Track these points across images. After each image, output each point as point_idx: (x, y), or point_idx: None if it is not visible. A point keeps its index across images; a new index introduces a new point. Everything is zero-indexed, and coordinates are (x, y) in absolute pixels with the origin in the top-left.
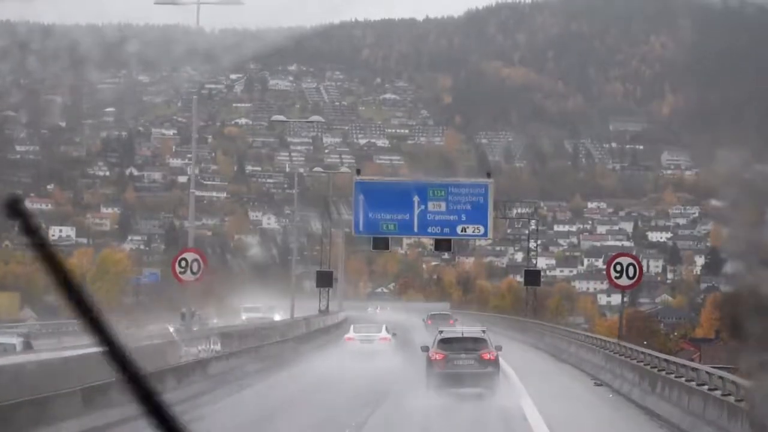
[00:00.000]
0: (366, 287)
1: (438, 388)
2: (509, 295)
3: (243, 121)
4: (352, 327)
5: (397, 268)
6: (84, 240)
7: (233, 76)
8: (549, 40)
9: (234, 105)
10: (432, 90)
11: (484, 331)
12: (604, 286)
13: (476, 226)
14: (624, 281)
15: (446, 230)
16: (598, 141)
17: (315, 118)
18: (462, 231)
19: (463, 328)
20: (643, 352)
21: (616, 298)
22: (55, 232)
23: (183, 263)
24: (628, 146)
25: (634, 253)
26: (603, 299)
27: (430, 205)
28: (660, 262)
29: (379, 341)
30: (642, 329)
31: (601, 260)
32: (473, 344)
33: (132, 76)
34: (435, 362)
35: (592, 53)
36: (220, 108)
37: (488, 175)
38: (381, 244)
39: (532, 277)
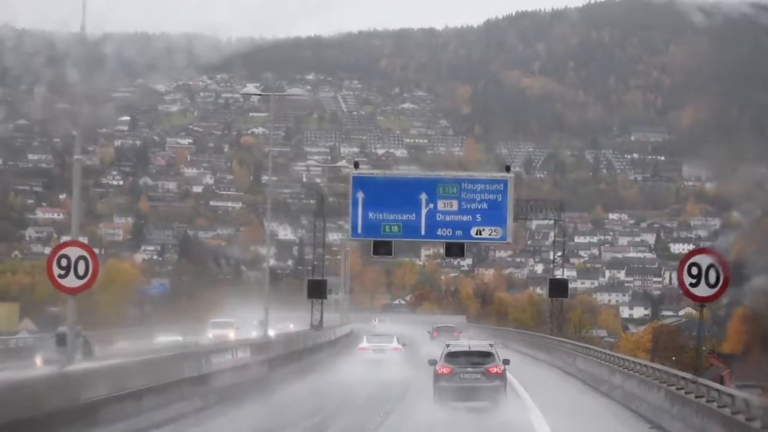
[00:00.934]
0: (383, 299)
1: (444, 402)
2: (530, 308)
3: (259, 130)
4: (365, 337)
5: (415, 279)
6: (96, 250)
7: (250, 85)
8: (569, 50)
9: (251, 114)
10: (451, 100)
11: (491, 345)
12: (627, 298)
13: (493, 228)
14: (702, 290)
15: (458, 233)
16: (620, 151)
17: (295, 91)
18: (477, 234)
19: (470, 341)
20: (729, 394)
21: (638, 311)
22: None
23: (64, 262)
24: (649, 157)
25: (655, 266)
26: (625, 312)
27: (440, 204)
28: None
29: (390, 351)
30: (670, 344)
31: (623, 272)
32: (480, 358)
33: (148, 85)
34: (442, 376)
35: (613, 63)
36: (236, 117)
37: (507, 170)
38: (382, 249)
39: (559, 287)
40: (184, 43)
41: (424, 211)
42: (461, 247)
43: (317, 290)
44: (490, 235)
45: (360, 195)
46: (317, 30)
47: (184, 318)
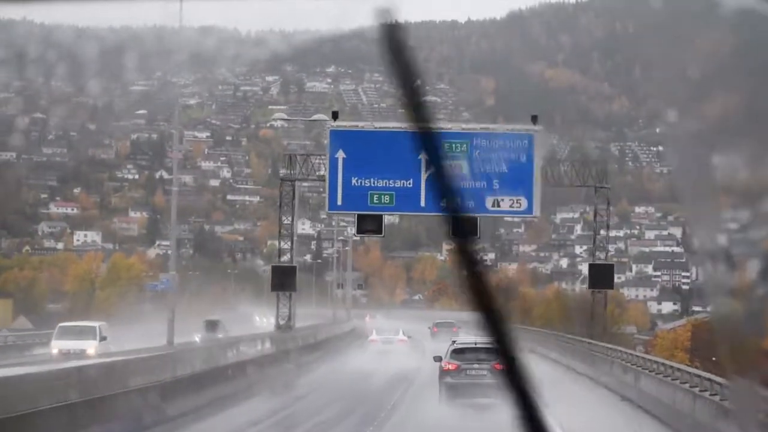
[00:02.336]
0: (403, 294)
1: (450, 398)
2: (556, 303)
3: (278, 123)
4: (374, 331)
5: (435, 274)
6: (110, 245)
7: (269, 78)
8: (593, 41)
9: (269, 107)
10: (474, 92)
11: None
12: (655, 293)
13: (515, 199)
14: None
15: (469, 204)
16: (645, 144)
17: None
18: (494, 205)
19: (477, 338)
20: None
21: (667, 306)
22: (80, 237)
23: None
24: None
25: (683, 260)
26: (654, 307)
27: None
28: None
29: (397, 342)
30: (709, 342)
31: (650, 266)
32: (486, 354)
33: (166, 78)
34: (448, 372)
35: (638, 54)
36: (255, 110)
37: (534, 120)
38: (370, 225)
39: (602, 275)
40: (203, 36)
41: (423, 176)
42: (473, 223)
43: (284, 280)
44: (511, 207)
45: (340, 155)
46: (337, 23)
47: (178, 315)
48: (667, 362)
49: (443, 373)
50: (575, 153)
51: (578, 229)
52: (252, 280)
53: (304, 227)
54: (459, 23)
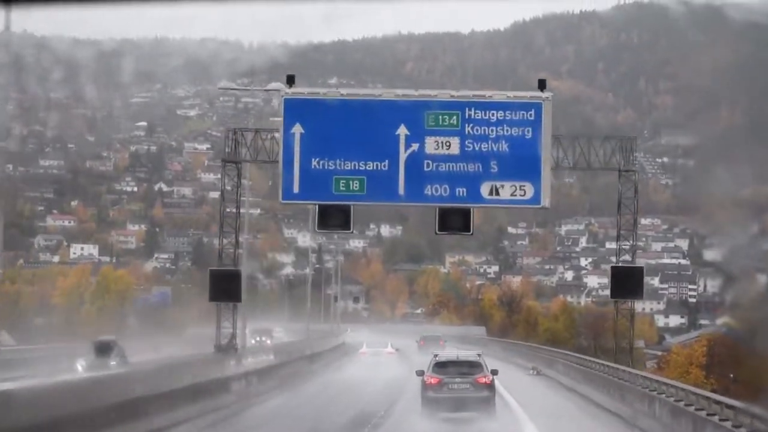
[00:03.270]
0: (405, 308)
1: (432, 412)
2: (563, 317)
3: (279, 134)
4: (364, 344)
5: (438, 287)
6: (107, 258)
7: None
8: (598, 52)
9: (271, 119)
10: None
11: (479, 355)
12: (662, 306)
13: (519, 184)
14: None
15: (461, 191)
16: (651, 155)
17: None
18: (492, 193)
19: (459, 351)
20: None
21: (674, 320)
22: (77, 250)
23: None
24: (680, 161)
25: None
26: (661, 320)
27: (430, 144)
28: (718, 281)
29: (386, 354)
30: (727, 358)
31: (657, 279)
32: (469, 368)
33: (166, 90)
34: (430, 386)
35: (642, 65)
36: (256, 122)
37: (541, 86)
38: (334, 219)
39: (628, 280)
40: (204, 48)
41: (403, 156)
42: (465, 215)
43: (225, 288)
44: (513, 194)
45: (297, 130)
46: (341, 34)
47: (160, 329)
48: (737, 404)
49: (425, 387)
50: (579, 165)
51: (583, 241)
52: (250, 294)
53: (304, 240)
54: (462, 34)
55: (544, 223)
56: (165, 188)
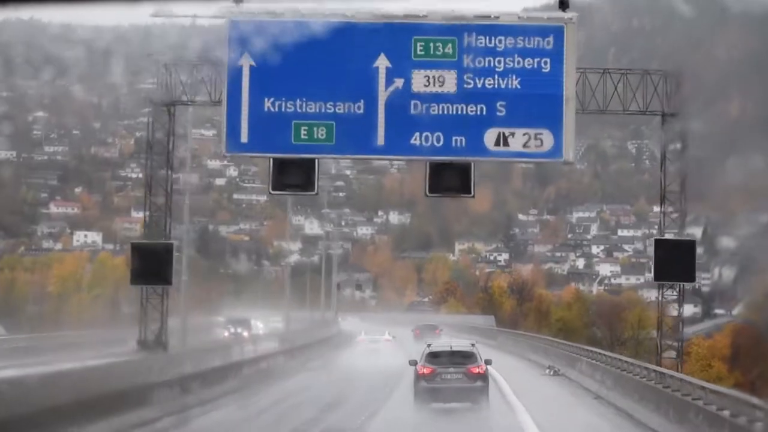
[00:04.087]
0: (413, 296)
1: (425, 402)
2: (576, 305)
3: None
4: (363, 331)
5: (447, 275)
6: (110, 246)
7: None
8: (610, 37)
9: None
10: None
11: (473, 345)
12: (675, 295)
13: (533, 132)
14: None
15: (458, 141)
16: (660, 144)
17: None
18: (498, 143)
19: (452, 341)
20: None
21: (688, 309)
22: (80, 238)
23: None
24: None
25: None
26: (674, 310)
27: (417, 81)
28: (732, 271)
29: (383, 342)
30: (750, 349)
31: None
32: (462, 358)
33: (174, 75)
34: (423, 376)
35: (654, 51)
36: None
37: (563, 5)
38: (293, 177)
39: (676, 257)
40: (212, 33)
41: (383, 96)
42: (464, 171)
43: (151, 268)
44: (526, 145)
45: (245, 62)
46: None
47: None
48: None
49: (418, 377)
50: (591, 152)
51: (595, 228)
52: (251, 283)
53: (312, 227)
54: None
55: (555, 210)
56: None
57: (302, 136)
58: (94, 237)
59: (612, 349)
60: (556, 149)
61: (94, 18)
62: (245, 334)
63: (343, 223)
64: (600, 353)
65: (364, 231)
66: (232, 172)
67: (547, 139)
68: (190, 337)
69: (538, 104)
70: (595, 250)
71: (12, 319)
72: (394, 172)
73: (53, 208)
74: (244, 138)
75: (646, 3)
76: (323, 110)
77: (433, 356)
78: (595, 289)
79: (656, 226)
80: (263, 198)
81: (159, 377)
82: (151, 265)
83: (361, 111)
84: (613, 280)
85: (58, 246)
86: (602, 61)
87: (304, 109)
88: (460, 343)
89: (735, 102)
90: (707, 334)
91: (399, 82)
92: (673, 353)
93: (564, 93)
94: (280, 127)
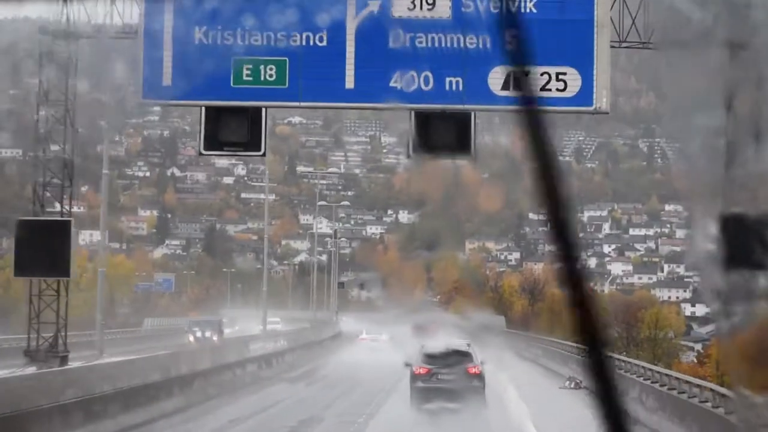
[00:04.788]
0: (423, 296)
1: (421, 402)
2: None
3: (297, 119)
4: (364, 330)
5: (457, 274)
6: (116, 245)
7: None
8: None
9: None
10: None
11: (468, 345)
12: (688, 294)
13: (554, 71)
14: None
15: (454, 84)
16: (674, 140)
17: None
18: (507, 87)
19: (448, 341)
20: None
21: (701, 309)
22: (86, 237)
23: None
24: (706, 143)
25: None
26: (687, 309)
27: (399, 2)
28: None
29: (382, 341)
30: None
31: (683, 266)
32: (458, 358)
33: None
34: (419, 376)
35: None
36: (272, 108)
37: None
38: (233, 131)
39: (749, 236)
40: None
41: (352, 23)
42: (462, 124)
43: (43, 254)
44: (546, 88)
45: None
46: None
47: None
48: None
49: (414, 377)
50: (602, 150)
51: (606, 227)
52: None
53: (321, 226)
54: None
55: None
56: (178, 173)
57: (245, 78)
58: (100, 236)
59: (628, 350)
60: (585, 94)
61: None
62: (215, 338)
63: (351, 222)
64: (633, 363)
65: (373, 230)
66: (240, 170)
67: (573, 79)
68: (152, 343)
69: (560, 33)
70: (606, 249)
71: (4, 319)
72: (401, 172)
73: (58, 207)
74: (166, 80)
75: None
76: (272, 43)
77: (429, 356)
78: (607, 288)
79: (668, 225)
80: (272, 197)
81: (51, 400)
82: (42, 250)
83: (324, 43)
84: (625, 279)
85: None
86: (613, 59)
87: (247, 41)
88: (456, 343)
89: (748, 96)
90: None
91: (374, 5)
92: (691, 355)
93: (595, 17)
94: (215, 65)
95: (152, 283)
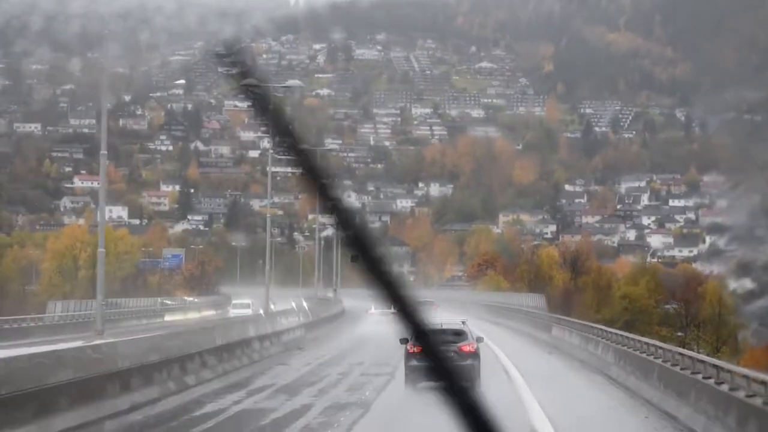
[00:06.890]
0: (454, 270)
1: (415, 381)
2: (644, 279)
3: (325, 91)
4: (372, 306)
5: (491, 248)
6: (137, 221)
7: (316, 46)
8: (656, 3)
9: (316, 76)
10: (532, 58)
11: (464, 322)
12: (733, 267)
13: None
14: None
15: None
16: (711, 111)
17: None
18: None
19: (443, 319)
20: None
21: (745, 283)
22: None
23: None
24: (745, 116)
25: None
26: (731, 284)
27: None
28: None
29: (390, 314)
30: None
31: (724, 238)
32: (453, 336)
33: (207, 47)
34: (413, 355)
35: (703, 16)
36: (300, 79)
37: None
38: None
39: None
40: (248, 4)
41: None
42: None
43: None
44: None
45: None
46: None
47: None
48: None
49: (408, 355)
50: (639, 120)
51: (645, 199)
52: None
53: (349, 199)
54: None
55: (603, 180)
56: (201, 147)
57: None
58: (120, 212)
59: (685, 331)
60: None
61: None
62: None
63: (381, 196)
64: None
65: (403, 204)
66: (266, 143)
67: None
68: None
69: None
70: (645, 221)
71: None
72: (435, 143)
73: (78, 183)
74: None
75: None
76: None
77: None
78: (648, 260)
79: (708, 196)
80: (298, 170)
81: None
82: None
83: None
84: (666, 252)
85: (81, 221)
86: (649, 28)
87: None
88: (451, 321)
89: None
90: None
91: None
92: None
93: None
94: None
95: (161, 259)
